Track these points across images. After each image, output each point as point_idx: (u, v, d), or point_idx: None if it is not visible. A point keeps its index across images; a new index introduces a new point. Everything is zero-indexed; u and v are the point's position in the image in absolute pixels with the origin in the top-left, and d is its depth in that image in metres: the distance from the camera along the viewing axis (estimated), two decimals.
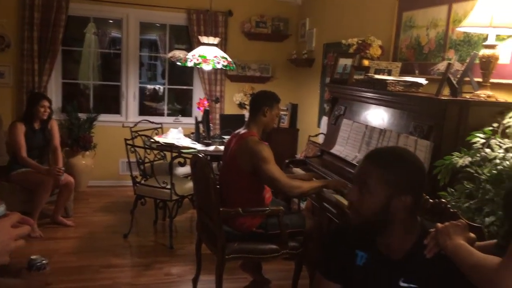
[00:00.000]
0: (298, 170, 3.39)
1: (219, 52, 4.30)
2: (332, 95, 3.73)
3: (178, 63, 4.96)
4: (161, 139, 4.29)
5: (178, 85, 6.30)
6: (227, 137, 4.16)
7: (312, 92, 5.24)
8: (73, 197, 4.55)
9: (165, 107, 6.10)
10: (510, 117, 2.22)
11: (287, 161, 3.55)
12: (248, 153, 2.72)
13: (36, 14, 5.03)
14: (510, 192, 1.41)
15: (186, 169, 4.45)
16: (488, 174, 1.98)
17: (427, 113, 2.46)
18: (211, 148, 4.17)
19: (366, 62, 3.40)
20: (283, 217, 2.72)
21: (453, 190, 2.07)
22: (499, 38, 2.39)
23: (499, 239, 1.44)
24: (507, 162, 1.97)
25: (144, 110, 6.09)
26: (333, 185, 2.79)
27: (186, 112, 6.18)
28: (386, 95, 2.78)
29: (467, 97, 2.39)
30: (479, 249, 1.29)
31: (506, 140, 2.12)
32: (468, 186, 2.02)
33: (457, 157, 2.09)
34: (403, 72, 3.09)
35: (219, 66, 4.22)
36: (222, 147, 3.89)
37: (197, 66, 4.32)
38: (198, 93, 5.79)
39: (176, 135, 4.50)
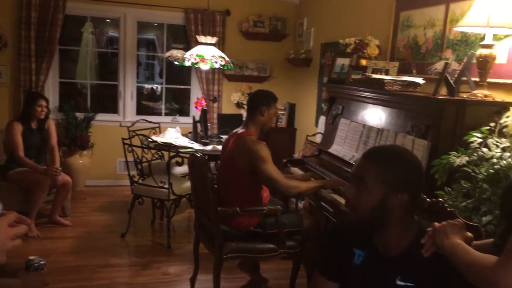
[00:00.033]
0: (296, 170, 3.39)
1: (217, 52, 4.30)
2: (329, 94, 3.74)
3: (176, 63, 4.96)
4: (158, 139, 4.28)
5: (176, 85, 6.29)
6: (224, 136, 4.15)
7: (310, 92, 5.25)
8: (71, 197, 4.54)
9: (163, 107, 6.10)
10: (507, 117, 2.24)
11: (285, 160, 3.55)
12: (246, 152, 2.72)
13: (34, 13, 5.02)
14: (507, 191, 1.41)
15: (184, 169, 4.44)
16: (485, 174, 1.98)
17: (424, 113, 2.47)
18: (209, 147, 4.16)
19: (363, 62, 3.40)
20: (280, 216, 2.72)
21: (450, 189, 2.07)
22: (496, 37, 2.39)
23: (496, 238, 1.45)
24: (504, 162, 1.98)
25: (141, 109, 6.09)
26: (331, 185, 2.79)
27: (184, 112, 6.17)
28: (383, 95, 2.78)
29: (464, 96, 2.40)
30: (476, 248, 1.29)
31: (503, 139, 2.13)
32: (465, 186, 2.03)
33: (455, 156, 2.09)
34: (401, 72, 3.09)
35: (216, 65, 4.22)
36: (219, 147, 3.89)
37: (195, 66, 4.31)
38: (196, 93, 5.79)
39: (173, 135, 4.50)
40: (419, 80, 2.72)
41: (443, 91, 2.51)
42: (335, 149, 3.23)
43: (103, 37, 6.28)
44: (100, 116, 5.57)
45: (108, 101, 5.95)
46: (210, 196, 2.65)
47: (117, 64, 5.68)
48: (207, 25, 5.47)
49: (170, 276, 3.45)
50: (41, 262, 1.36)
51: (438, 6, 2.95)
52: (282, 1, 5.85)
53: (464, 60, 2.51)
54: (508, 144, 2.08)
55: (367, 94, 2.99)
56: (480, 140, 2.13)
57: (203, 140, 4.33)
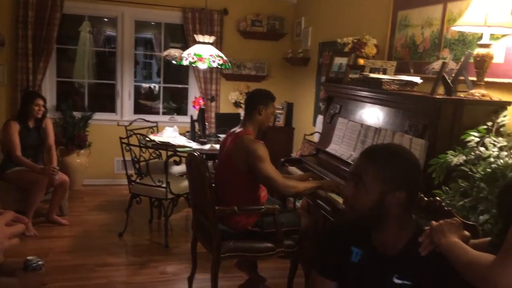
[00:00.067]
0: (293, 169, 3.39)
1: (215, 51, 4.29)
2: (327, 94, 3.74)
3: (174, 62, 4.95)
4: (156, 138, 4.28)
5: (174, 84, 6.28)
6: (222, 135, 4.15)
7: (308, 91, 5.25)
8: (68, 196, 4.53)
9: (161, 106, 6.09)
10: (504, 116, 2.24)
11: (282, 159, 3.55)
12: (243, 151, 2.73)
13: (31, 12, 5.00)
14: (504, 190, 1.42)
15: (182, 168, 4.44)
16: (483, 173, 1.99)
17: (422, 112, 2.47)
18: (207, 146, 4.16)
19: (361, 61, 3.40)
20: (278, 215, 2.72)
21: (447, 188, 2.08)
22: (493, 37, 2.40)
23: (493, 237, 1.45)
24: (501, 161, 1.98)
25: (139, 108, 6.08)
26: (328, 186, 2.79)
27: (182, 111, 6.16)
28: (381, 94, 2.78)
29: (461, 96, 2.41)
30: (473, 247, 1.29)
31: (500, 138, 2.13)
32: (462, 185, 2.04)
33: (452, 155, 2.10)
34: (398, 71, 3.10)
35: (214, 64, 4.22)
36: (217, 146, 3.89)
37: (193, 65, 4.31)
38: (194, 92, 5.79)
39: (171, 134, 4.49)
40: (417, 80, 2.72)
41: (441, 91, 2.51)
42: (333, 148, 3.23)
43: (100, 36, 6.26)
44: (98, 115, 5.56)
45: (105, 100, 5.94)
46: (208, 195, 2.65)
47: (115, 63, 5.67)
48: (204, 24, 5.47)
49: (167, 275, 3.45)
50: (39, 262, 1.35)
51: (435, 5, 2.95)
52: (280, 0, 5.85)
53: (462, 60, 2.51)
54: (505, 143, 2.08)
55: (364, 94, 2.99)
56: (478, 139, 2.13)
57: (201, 139, 4.33)
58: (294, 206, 3.87)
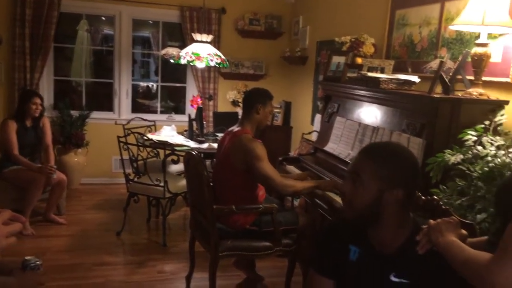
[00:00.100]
0: (291, 168, 3.40)
1: (212, 50, 4.29)
2: (325, 92, 3.74)
3: (171, 61, 4.94)
4: (154, 137, 4.27)
5: (171, 83, 6.28)
6: (220, 134, 4.16)
7: (306, 90, 5.25)
8: (66, 195, 4.52)
9: (158, 105, 6.08)
10: (501, 115, 2.25)
11: (280, 158, 3.55)
12: (241, 150, 2.72)
13: (28, 11, 4.99)
14: (501, 189, 1.42)
15: (179, 167, 4.44)
16: (480, 172, 1.99)
17: (419, 111, 2.48)
18: (205, 145, 4.16)
19: (359, 60, 3.41)
20: (276, 214, 2.73)
21: (445, 187, 2.08)
22: (491, 36, 2.40)
23: (490, 236, 1.46)
24: (499, 160, 1.99)
25: (137, 107, 6.07)
26: (326, 186, 2.79)
27: (179, 110, 6.16)
28: (379, 93, 2.79)
29: (459, 95, 2.41)
30: (470, 245, 1.30)
31: (498, 137, 2.14)
32: (460, 183, 2.04)
33: (449, 154, 2.10)
34: (396, 70, 3.10)
35: (212, 63, 4.21)
36: (215, 145, 3.88)
37: (190, 64, 4.30)
38: (192, 91, 5.78)
39: (169, 133, 4.49)
40: (414, 79, 2.72)
41: (438, 90, 2.52)
42: (330, 147, 3.23)
43: (98, 35, 6.25)
44: (95, 114, 5.55)
45: (103, 99, 5.93)
46: (205, 194, 2.65)
47: (112, 62, 5.66)
48: (202, 23, 5.46)
49: (165, 274, 3.45)
50: (37, 262, 1.35)
51: (433, 4, 2.95)
52: None
53: (459, 59, 2.51)
54: (502, 142, 2.09)
55: (362, 92, 2.99)
56: (475, 138, 2.14)
57: (198, 138, 4.32)
58: (292, 205, 3.87)
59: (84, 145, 5.36)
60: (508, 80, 2.35)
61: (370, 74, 2.90)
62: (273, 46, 5.88)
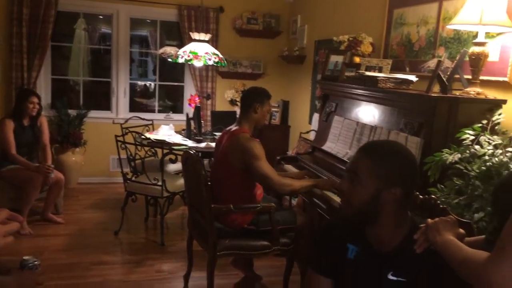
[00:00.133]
0: (289, 167, 3.40)
1: (210, 49, 4.29)
2: (323, 92, 3.74)
3: (169, 60, 4.95)
4: (152, 136, 4.27)
5: (169, 82, 6.27)
6: (218, 133, 4.15)
7: (304, 89, 5.25)
8: (63, 194, 4.51)
9: (156, 104, 6.08)
10: (499, 114, 2.25)
11: (278, 157, 3.55)
12: (239, 150, 2.72)
13: (25, 10, 4.97)
14: (498, 188, 1.42)
15: (177, 166, 4.44)
16: (477, 171, 1.99)
17: (417, 110, 2.48)
18: (202, 144, 4.16)
19: (357, 59, 3.41)
20: (274, 213, 2.73)
21: (442, 186, 2.09)
22: (488, 35, 2.41)
23: (487, 235, 1.46)
24: (496, 159, 1.99)
25: (134, 106, 6.06)
26: (324, 185, 2.79)
27: (177, 109, 6.15)
28: (377, 92, 2.79)
29: (457, 94, 2.41)
30: (468, 244, 1.30)
31: (495, 136, 2.14)
32: (457, 183, 2.04)
33: (447, 153, 2.10)
34: (394, 69, 3.10)
35: (210, 62, 4.21)
36: (213, 144, 3.88)
37: (188, 63, 4.30)
38: (189, 90, 5.78)
39: (167, 132, 4.49)
40: (412, 78, 2.73)
41: (436, 89, 2.52)
42: (328, 146, 3.24)
43: (95, 34, 6.24)
44: (93, 113, 5.54)
45: (101, 98, 5.92)
46: (203, 194, 2.65)
47: (110, 60, 5.65)
48: (200, 22, 5.46)
49: (163, 273, 3.45)
50: (36, 262, 1.35)
51: (431, 3, 2.96)
52: None
53: (457, 58, 2.52)
54: (500, 142, 2.09)
55: (360, 92, 3.00)
56: (473, 137, 2.14)
57: (196, 137, 4.32)
58: (289, 204, 3.87)
59: (81, 144, 5.35)
60: (505, 79, 2.35)
61: (368, 73, 2.91)
62: (271, 45, 5.88)
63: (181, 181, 3.97)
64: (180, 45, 5.29)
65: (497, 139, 2.11)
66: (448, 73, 2.48)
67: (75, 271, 3.35)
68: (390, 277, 1.38)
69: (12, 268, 1.33)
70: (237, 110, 4.99)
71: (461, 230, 1.39)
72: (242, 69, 5.77)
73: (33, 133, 4.26)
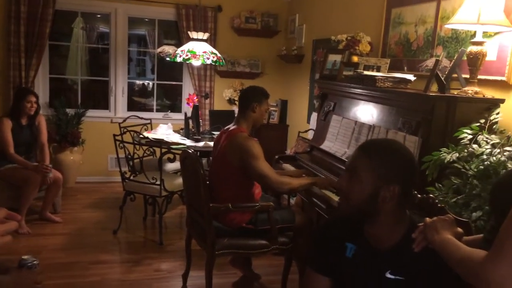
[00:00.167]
0: (287, 166, 3.40)
1: (209, 48, 4.29)
2: (321, 91, 3.74)
3: (167, 59, 4.94)
4: (150, 135, 4.27)
5: (167, 81, 6.26)
6: (216, 133, 4.14)
7: (302, 88, 5.25)
8: (61, 193, 4.51)
9: (154, 103, 6.07)
10: (497, 113, 2.26)
11: (276, 157, 3.55)
12: (237, 149, 2.72)
13: (23, 8, 4.96)
14: (496, 187, 1.43)
15: (176, 165, 4.43)
16: (475, 170, 2.00)
17: (415, 109, 2.48)
18: (201, 144, 4.16)
19: (355, 58, 3.41)
20: (273, 212, 2.73)
21: (440, 185, 2.09)
22: (486, 35, 2.41)
23: (485, 234, 1.46)
24: (494, 158, 2.00)
25: (133, 105, 6.06)
26: (322, 183, 2.80)
27: (176, 108, 6.15)
28: (375, 91, 2.79)
29: (454, 93, 2.42)
30: (466, 243, 1.30)
31: (493, 136, 2.15)
32: (455, 182, 2.05)
33: (445, 152, 2.11)
34: (392, 69, 3.11)
35: (208, 61, 4.21)
36: (211, 143, 3.88)
37: (187, 62, 4.30)
38: (188, 89, 5.77)
39: (165, 131, 4.48)
40: (410, 77, 2.73)
41: (434, 88, 2.53)
42: (327, 145, 3.24)
43: (93, 33, 6.24)
44: (91, 112, 5.53)
45: (99, 97, 5.92)
46: (202, 193, 2.65)
47: (108, 60, 5.64)
48: (198, 21, 5.45)
49: (162, 272, 3.45)
50: (34, 262, 1.35)
51: (429, 3, 2.96)
52: None
53: (455, 57, 2.53)
54: (497, 141, 2.10)
55: (358, 91, 3.00)
56: (470, 136, 2.15)
57: (195, 137, 4.32)
58: (288, 203, 3.88)
59: (79, 144, 5.34)
60: (503, 78, 2.36)
61: (366, 72, 2.91)
62: (269, 45, 5.87)
63: (179, 180, 3.97)
64: (178, 44, 5.28)
65: (495, 138, 2.12)
66: (446, 73, 2.48)
67: (73, 270, 3.35)
68: (388, 275, 1.39)
69: (11, 267, 1.33)
70: (236, 109, 4.99)
71: (459, 229, 1.40)
72: (240, 68, 5.77)
73: (31, 132, 4.25)
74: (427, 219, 1.39)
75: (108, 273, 3.35)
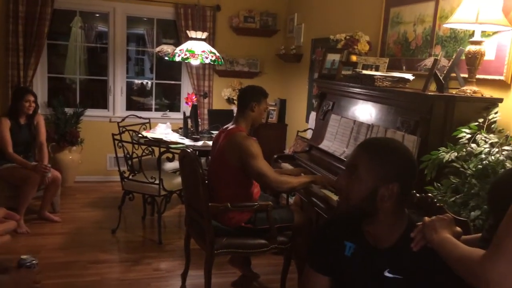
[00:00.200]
0: (286, 165, 3.40)
1: (207, 47, 4.28)
2: (320, 90, 3.74)
3: (166, 58, 4.93)
4: (149, 134, 4.27)
5: (166, 80, 6.26)
6: (215, 132, 4.15)
7: (301, 88, 5.25)
8: (60, 193, 4.51)
9: (153, 102, 6.06)
10: (495, 113, 2.26)
11: (275, 156, 3.56)
12: (236, 148, 2.72)
13: (21, 7, 4.95)
14: (495, 187, 1.43)
15: (175, 164, 4.43)
16: (474, 169, 2.00)
17: (414, 109, 2.49)
18: (200, 143, 4.15)
19: (354, 58, 3.41)
20: (271, 212, 2.73)
21: (439, 184, 2.10)
22: (484, 34, 2.42)
23: (484, 233, 1.47)
24: (492, 157, 2.00)
25: (131, 105, 6.05)
26: (321, 181, 2.80)
27: (174, 107, 6.15)
28: (373, 91, 2.79)
29: (453, 92, 2.42)
30: (464, 242, 1.31)
31: (492, 135, 2.15)
32: (454, 181, 2.05)
33: (444, 152, 2.11)
34: (391, 68, 3.11)
35: (207, 61, 4.21)
36: (210, 142, 3.88)
37: (185, 61, 4.30)
38: (186, 88, 5.77)
39: (164, 130, 4.48)
40: (409, 76, 2.73)
41: (433, 87, 2.53)
42: (325, 144, 3.24)
43: (92, 32, 6.23)
44: (90, 112, 5.52)
45: (97, 96, 5.91)
46: (201, 192, 2.65)
47: (107, 59, 5.63)
48: (197, 20, 5.45)
49: (161, 272, 3.45)
50: (33, 261, 1.35)
51: (427, 2, 2.96)
52: None
53: (453, 57, 2.53)
54: (496, 140, 2.10)
55: (357, 90, 3.00)
56: (469, 135, 2.15)
57: (193, 136, 4.32)
58: (287, 202, 3.88)
59: (78, 143, 5.34)
60: (502, 78, 2.36)
61: (364, 71, 2.91)
62: (268, 44, 5.87)
63: (178, 180, 3.97)
64: (177, 43, 5.28)
65: (493, 138, 2.12)
66: (445, 72, 2.49)
67: (72, 269, 3.35)
68: (387, 274, 1.39)
69: (9, 267, 1.33)
70: (234, 108, 4.99)
71: (458, 228, 1.40)
72: (239, 67, 5.77)
73: (29, 132, 4.25)
74: (426, 218, 1.39)
75: (107, 273, 3.35)
